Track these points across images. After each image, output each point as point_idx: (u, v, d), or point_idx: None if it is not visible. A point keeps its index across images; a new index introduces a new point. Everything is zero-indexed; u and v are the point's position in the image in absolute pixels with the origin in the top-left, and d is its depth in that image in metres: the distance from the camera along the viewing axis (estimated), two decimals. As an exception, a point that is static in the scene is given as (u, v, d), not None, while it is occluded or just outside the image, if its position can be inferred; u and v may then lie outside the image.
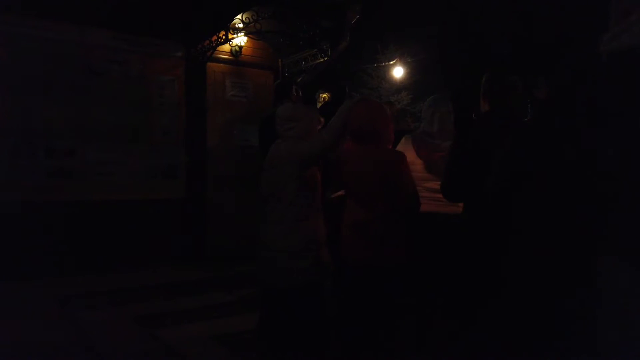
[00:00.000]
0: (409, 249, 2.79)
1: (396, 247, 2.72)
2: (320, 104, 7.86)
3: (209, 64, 5.74)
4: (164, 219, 5.45)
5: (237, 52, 5.93)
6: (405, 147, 3.36)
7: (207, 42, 5.44)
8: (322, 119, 3.03)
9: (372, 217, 2.73)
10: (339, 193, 3.07)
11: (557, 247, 2.04)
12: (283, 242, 2.77)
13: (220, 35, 5.33)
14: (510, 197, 2.13)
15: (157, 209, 5.42)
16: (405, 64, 13.01)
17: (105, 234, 5.04)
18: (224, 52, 5.85)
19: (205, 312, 4.18)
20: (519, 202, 2.07)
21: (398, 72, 12.85)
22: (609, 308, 1.58)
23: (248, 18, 5.23)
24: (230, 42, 5.58)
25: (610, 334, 1.54)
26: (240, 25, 5.38)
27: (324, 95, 8.18)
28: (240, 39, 5.79)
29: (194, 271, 5.21)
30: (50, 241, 4.68)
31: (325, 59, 5.80)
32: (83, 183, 5.04)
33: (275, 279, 2.82)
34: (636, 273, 1.44)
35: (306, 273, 2.78)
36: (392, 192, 2.69)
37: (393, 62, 13.06)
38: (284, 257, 2.77)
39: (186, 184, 5.64)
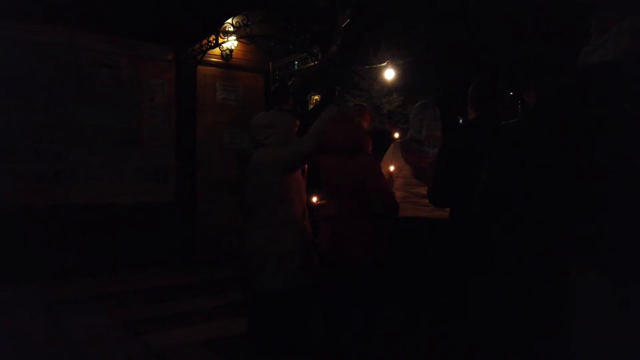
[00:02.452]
0: (382, 251, 2.83)
1: (360, 247, 2.76)
2: (311, 106, 7.88)
3: (200, 67, 5.73)
4: (154, 223, 5.43)
5: (227, 55, 5.93)
6: (394, 154, 3.42)
7: (198, 45, 5.44)
8: (297, 122, 3.06)
9: (338, 215, 2.78)
10: (323, 202, 3.11)
11: (543, 254, 2.08)
12: (270, 246, 2.79)
13: (211, 39, 5.33)
14: (497, 203, 2.16)
15: (146, 213, 5.40)
16: (396, 66, 13.05)
17: (93, 237, 5.01)
18: (214, 56, 5.84)
19: (194, 317, 4.18)
20: (507, 208, 2.10)
21: (389, 74, 12.88)
22: (585, 316, 1.61)
23: (238, 22, 5.22)
24: (221, 46, 5.57)
25: (585, 341, 1.58)
26: (231, 29, 5.38)
27: (315, 97, 8.21)
28: (231, 43, 5.79)
29: (184, 275, 5.20)
30: (37, 245, 4.65)
31: (316, 62, 5.81)
32: (71, 186, 5.01)
33: (264, 284, 2.83)
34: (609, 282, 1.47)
35: (295, 276, 2.80)
36: (364, 196, 2.74)
37: (384, 64, 13.10)
38: (272, 261, 2.79)
39: (176, 188, 5.62)
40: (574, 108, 1.61)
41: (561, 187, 1.67)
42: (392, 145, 3.48)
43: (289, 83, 5.93)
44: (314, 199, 3.36)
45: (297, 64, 6.08)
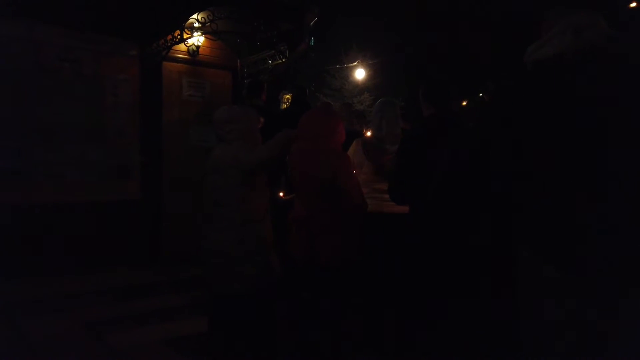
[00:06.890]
0: (352, 249, 2.83)
1: (330, 246, 2.75)
2: (284, 105, 7.85)
3: (165, 63, 5.64)
4: (119, 221, 5.32)
5: (194, 51, 5.86)
6: (356, 150, 3.44)
7: (163, 41, 5.36)
8: (261, 119, 3.00)
9: (308, 215, 2.77)
10: (291, 196, 3.09)
11: (496, 246, 2.15)
12: (230, 247, 2.72)
13: (176, 34, 5.26)
14: (451, 197, 2.21)
15: (111, 211, 5.29)
16: (367, 66, 13.16)
17: (56, 237, 4.87)
18: (180, 52, 5.76)
19: (157, 316, 4.12)
20: (460, 202, 2.15)
21: (360, 73, 13.01)
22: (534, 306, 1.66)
23: (204, 18, 5.18)
24: (186, 42, 5.50)
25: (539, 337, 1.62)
26: (197, 25, 5.32)
27: (287, 95, 8.19)
28: (197, 39, 5.72)
29: (149, 274, 5.11)
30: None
31: (284, 60, 5.81)
32: (32, 184, 4.86)
33: (224, 285, 2.78)
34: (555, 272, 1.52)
35: (255, 279, 2.75)
36: (333, 193, 2.73)
37: (355, 63, 13.20)
38: (232, 262, 2.72)
39: (141, 185, 5.53)
40: (523, 102, 1.67)
41: (511, 182, 1.72)
42: (354, 142, 3.50)
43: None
44: (280, 194, 3.33)
45: (264, 62, 6.06)
